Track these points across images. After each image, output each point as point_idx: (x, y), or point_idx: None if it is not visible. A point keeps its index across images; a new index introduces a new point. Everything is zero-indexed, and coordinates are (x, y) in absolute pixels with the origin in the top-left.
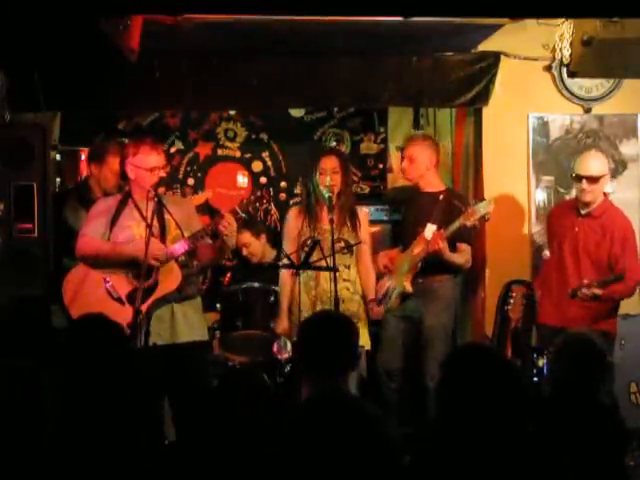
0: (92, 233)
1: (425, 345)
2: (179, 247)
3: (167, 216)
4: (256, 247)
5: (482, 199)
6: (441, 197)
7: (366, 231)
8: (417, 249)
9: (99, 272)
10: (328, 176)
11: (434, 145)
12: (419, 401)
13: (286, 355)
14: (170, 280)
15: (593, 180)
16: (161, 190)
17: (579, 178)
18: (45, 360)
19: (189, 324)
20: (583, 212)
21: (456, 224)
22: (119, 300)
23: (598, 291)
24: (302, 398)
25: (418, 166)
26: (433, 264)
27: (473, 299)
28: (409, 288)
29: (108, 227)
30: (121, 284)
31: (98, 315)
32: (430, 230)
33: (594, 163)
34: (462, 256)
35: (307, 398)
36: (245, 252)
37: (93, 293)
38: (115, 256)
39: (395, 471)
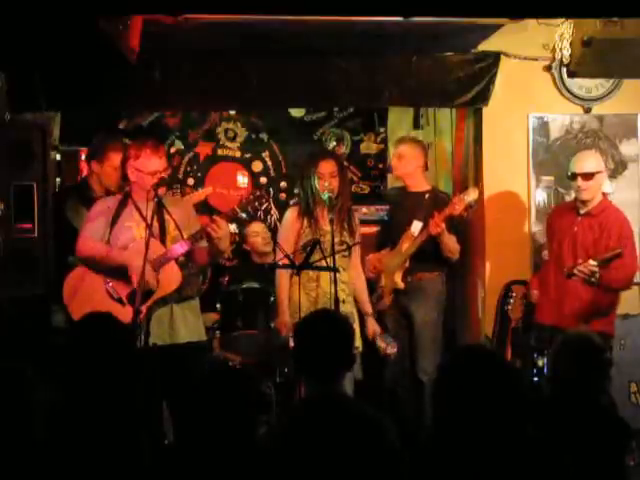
0: (91, 234)
1: (416, 341)
2: (178, 247)
3: (166, 216)
4: (266, 238)
5: (466, 188)
6: (427, 196)
7: (358, 233)
8: (405, 246)
9: (99, 273)
10: (327, 180)
11: (423, 148)
12: (415, 395)
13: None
14: (170, 281)
15: (588, 177)
16: (161, 190)
17: (574, 176)
18: (45, 360)
19: (188, 325)
20: (582, 212)
21: (443, 214)
22: (119, 301)
23: (594, 266)
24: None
25: (406, 164)
26: (421, 261)
27: (473, 299)
28: (400, 284)
29: (108, 228)
30: (121, 285)
31: (106, 314)
32: (416, 227)
33: (588, 160)
34: (454, 243)
35: (302, 400)
36: (252, 240)
37: (93, 293)
38: (110, 262)
39: (393, 473)
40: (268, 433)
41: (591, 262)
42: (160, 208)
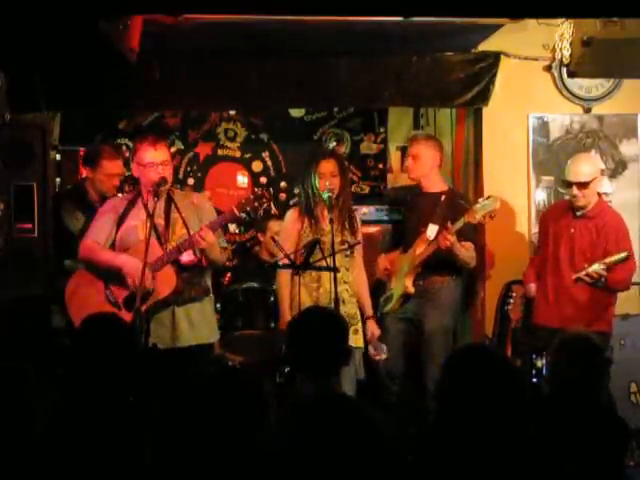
0: (94, 236)
1: (426, 347)
2: (183, 258)
3: (175, 214)
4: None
5: (488, 197)
6: (443, 197)
7: (360, 233)
8: (419, 249)
9: (100, 276)
10: (327, 180)
11: (438, 145)
12: (420, 403)
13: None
14: (164, 286)
15: (583, 185)
16: (165, 187)
17: (569, 184)
18: (44, 360)
19: (192, 327)
20: (579, 214)
21: (461, 222)
22: (116, 305)
23: (602, 270)
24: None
25: (423, 164)
26: (434, 265)
27: (473, 299)
28: (411, 289)
29: (113, 227)
30: (120, 289)
31: (109, 314)
32: (432, 230)
33: (583, 168)
34: (469, 251)
35: (298, 399)
36: (267, 237)
37: (92, 297)
38: (108, 266)
39: (390, 471)
40: (266, 432)
41: (598, 266)
42: (169, 205)
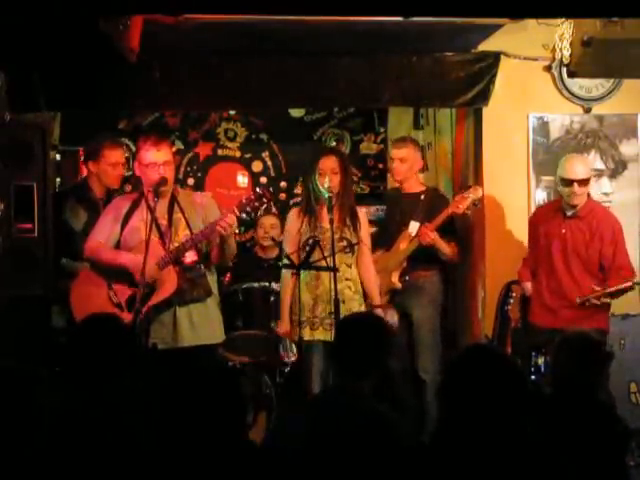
0: (98, 236)
1: (415, 339)
2: (187, 257)
3: (178, 215)
4: (269, 232)
5: (469, 186)
6: (422, 196)
7: (366, 231)
8: (402, 246)
9: (104, 277)
10: (327, 177)
11: (420, 149)
12: (415, 393)
13: (293, 358)
14: (165, 287)
15: (584, 183)
16: (167, 187)
17: (569, 182)
18: (45, 360)
19: (193, 328)
20: (569, 213)
21: (444, 213)
22: (119, 306)
23: (607, 300)
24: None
25: (409, 167)
26: (419, 260)
27: (473, 299)
28: (398, 284)
29: (117, 227)
30: (122, 290)
31: (109, 314)
32: (414, 227)
33: (580, 165)
34: (451, 247)
35: (317, 394)
36: (260, 233)
37: (95, 298)
38: (111, 265)
39: (402, 470)
40: (273, 428)
41: (603, 298)
42: (172, 206)
